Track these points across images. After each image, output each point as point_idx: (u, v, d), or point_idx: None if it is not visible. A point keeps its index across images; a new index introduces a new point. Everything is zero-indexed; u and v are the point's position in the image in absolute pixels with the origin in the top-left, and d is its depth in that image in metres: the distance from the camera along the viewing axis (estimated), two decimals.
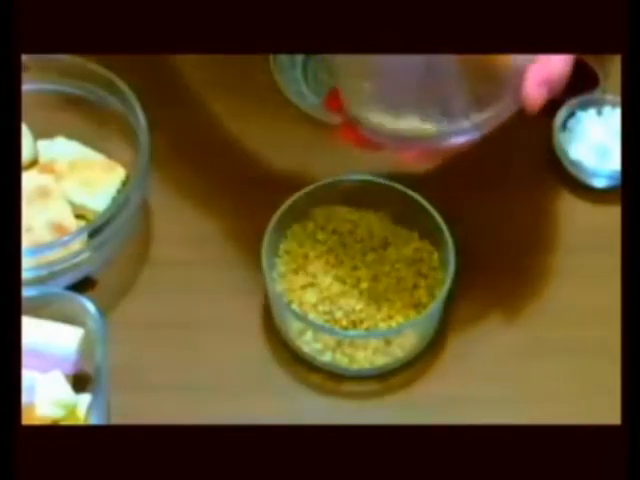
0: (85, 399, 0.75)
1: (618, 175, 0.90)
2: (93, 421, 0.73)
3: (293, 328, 0.81)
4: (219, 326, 0.84)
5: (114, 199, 0.87)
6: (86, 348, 0.77)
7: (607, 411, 0.75)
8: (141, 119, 0.85)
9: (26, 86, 0.85)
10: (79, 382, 0.77)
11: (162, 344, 0.83)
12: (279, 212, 0.84)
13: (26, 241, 0.82)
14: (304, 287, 0.82)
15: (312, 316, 0.81)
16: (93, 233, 0.82)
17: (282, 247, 0.84)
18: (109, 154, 0.90)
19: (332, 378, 0.82)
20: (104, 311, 0.78)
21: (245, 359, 0.83)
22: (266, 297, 0.84)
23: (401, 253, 0.83)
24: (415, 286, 0.82)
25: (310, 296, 0.81)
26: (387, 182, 0.85)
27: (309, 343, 0.81)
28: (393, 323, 0.81)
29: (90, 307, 0.77)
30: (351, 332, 0.80)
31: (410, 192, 0.84)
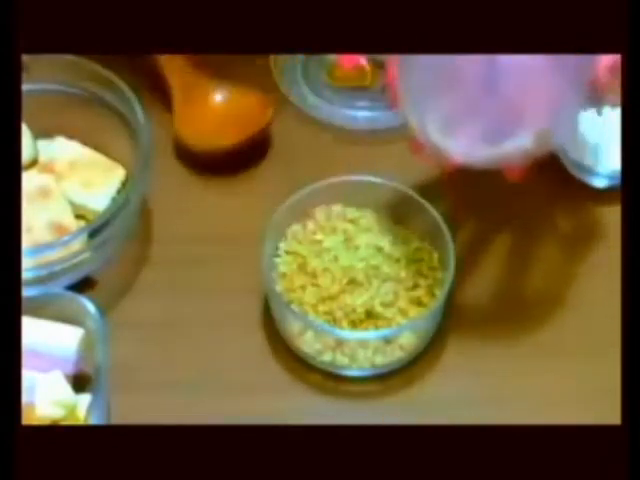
0: (85, 399, 0.75)
1: (618, 175, 0.90)
2: (93, 421, 0.73)
3: (293, 328, 0.81)
4: (219, 326, 0.84)
5: (114, 199, 0.87)
6: (86, 348, 0.77)
7: (607, 411, 0.75)
8: (141, 119, 0.85)
9: (26, 86, 0.85)
10: (79, 382, 0.77)
11: (162, 344, 0.83)
12: (279, 212, 0.84)
13: (26, 241, 0.82)
14: (304, 287, 0.82)
15: (312, 316, 0.81)
16: (93, 233, 0.82)
17: (282, 247, 0.84)
18: (109, 154, 0.90)
19: (332, 378, 0.82)
20: (104, 311, 0.78)
21: (245, 359, 0.83)
22: (266, 297, 0.84)
23: (401, 253, 0.83)
24: (415, 286, 0.82)
25: (310, 296, 0.81)
26: (387, 182, 0.85)
27: (309, 343, 0.81)
28: (393, 323, 0.81)
29: (90, 307, 0.77)
30: (351, 332, 0.80)
31: (410, 192, 0.84)
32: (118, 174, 0.89)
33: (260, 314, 0.85)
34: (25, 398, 0.72)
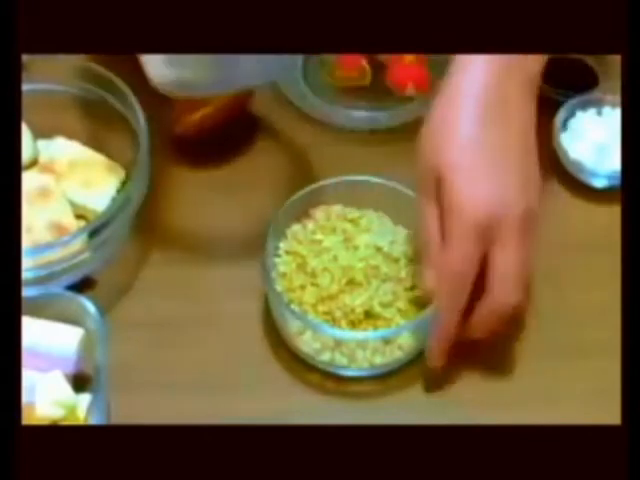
0: (85, 399, 0.75)
1: (618, 175, 0.90)
2: (93, 421, 0.73)
3: (292, 328, 0.81)
4: (219, 326, 0.84)
5: (114, 199, 0.87)
6: (86, 348, 0.77)
7: (607, 411, 0.75)
8: (141, 119, 0.85)
9: (26, 86, 0.85)
10: (79, 382, 0.77)
11: (162, 344, 0.83)
12: (279, 212, 0.84)
13: (26, 241, 0.82)
14: (303, 287, 0.82)
15: (311, 316, 0.81)
16: (93, 233, 0.82)
17: (282, 247, 0.84)
18: (109, 154, 0.90)
19: (331, 378, 0.82)
20: (104, 311, 0.78)
21: (245, 359, 0.83)
22: (266, 297, 0.84)
23: (400, 253, 0.83)
24: (414, 286, 0.82)
25: (309, 296, 0.81)
26: (387, 182, 0.85)
27: (308, 343, 0.81)
28: (392, 324, 0.81)
29: (90, 307, 0.77)
30: (350, 332, 0.80)
31: (410, 192, 0.84)
32: (118, 174, 0.89)
33: (260, 314, 0.85)
34: (25, 398, 0.72)
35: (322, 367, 0.81)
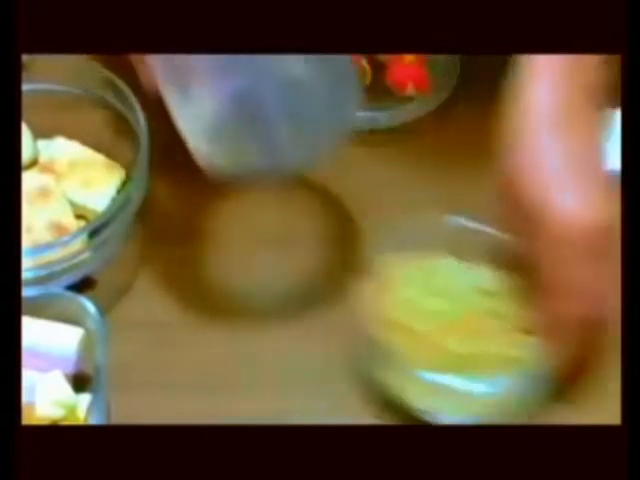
0: (85, 399, 0.75)
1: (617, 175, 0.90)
2: (93, 421, 0.73)
3: (393, 378, 0.76)
4: (219, 326, 0.84)
5: (114, 199, 0.87)
6: (86, 348, 0.77)
7: (607, 411, 0.75)
8: (141, 119, 0.85)
9: (26, 86, 0.85)
10: (79, 382, 0.77)
11: (162, 344, 0.83)
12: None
13: (26, 241, 0.82)
14: (400, 331, 0.77)
15: (409, 362, 0.75)
16: (93, 233, 0.82)
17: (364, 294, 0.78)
18: (109, 154, 0.90)
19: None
20: (104, 311, 0.78)
21: (245, 358, 0.82)
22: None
23: (492, 290, 0.79)
24: (517, 317, 0.77)
25: (406, 343, 0.76)
26: (451, 220, 0.80)
27: (407, 391, 0.76)
28: (495, 374, 0.76)
29: (90, 307, 0.77)
30: (452, 378, 0.75)
31: (474, 225, 0.80)
32: (118, 174, 0.89)
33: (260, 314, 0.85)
34: (25, 398, 0.72)
35: (417, 415, 0.76)
